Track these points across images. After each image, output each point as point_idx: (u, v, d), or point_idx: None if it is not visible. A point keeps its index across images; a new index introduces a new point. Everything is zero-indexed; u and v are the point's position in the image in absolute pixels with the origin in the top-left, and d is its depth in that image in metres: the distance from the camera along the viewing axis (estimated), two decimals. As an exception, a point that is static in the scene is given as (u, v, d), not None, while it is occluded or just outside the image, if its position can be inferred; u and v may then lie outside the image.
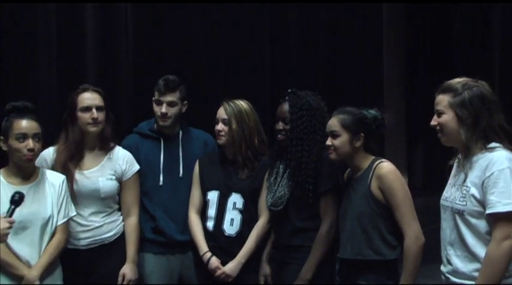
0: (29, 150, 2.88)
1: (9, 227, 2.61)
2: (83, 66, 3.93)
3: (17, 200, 2.68)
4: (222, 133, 3.33)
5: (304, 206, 3.16)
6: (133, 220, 3.32)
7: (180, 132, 3.51)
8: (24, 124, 2.89)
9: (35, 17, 3.71)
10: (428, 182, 7.28)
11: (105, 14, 4.04)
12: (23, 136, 2.88)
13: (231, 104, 3.34)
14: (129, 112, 4.03)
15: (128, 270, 3.25)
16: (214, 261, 3.28)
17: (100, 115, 3.21)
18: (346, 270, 3.00)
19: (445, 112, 2.60)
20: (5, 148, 2.92)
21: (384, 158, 3.03)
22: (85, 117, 3.18)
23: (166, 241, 3.41)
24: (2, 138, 2.93)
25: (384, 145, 5.91)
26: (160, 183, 3.43)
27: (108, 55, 4.06)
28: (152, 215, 3.41)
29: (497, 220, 2.43)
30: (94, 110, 3.18)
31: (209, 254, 3.30)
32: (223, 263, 3.29)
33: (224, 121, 3.33)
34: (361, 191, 2.94)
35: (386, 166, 2.93)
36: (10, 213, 2.66)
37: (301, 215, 3.19)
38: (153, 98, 3.43)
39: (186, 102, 3.46)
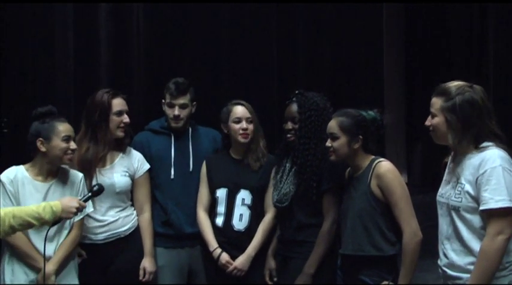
0: (72, 151, 3.04)
1: (78, 208, 2.73)
2: (97, 64, 4.02)
3: (96, 190, 2.86)
4: (248, 132, 3.36)
5: (308, 203, 3.21)
6: (146, 216, 3.43)
7: (190, 129, 3.57)
8: (69, 127, 3.05)
9: (52, 17, 3.79)
10: (426, 181, 7.30)
11: (118, 14, 4.11)
12: (68, 138, 3.02)
13: (247, 104, 3.40)
14: (140, 111, 4.09)
15: (147, 263, 3.37)
16: (225, 257, 3.34)
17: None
18: (348, 265, 3.04)
19: (436, 115, 2.63)
20: (43, 149, 3.01)
21: (383, 157, 3.06)
22: (118, 120, 3.30)
23: (176, 234, 3.48)
24: (41, 139, 3.00)
25: (385, 144, 5.96)
26: (172, 177, 3.50)
27: (120, 57, 4.14)
28: (164, 208, 3.48)
29: (491, 215, 2.49)
30: (125, 115, 3.32)
31: (219, 250, 3.36)
32: (233, 257, 3.35)
33: (248, 120, 3.37)
34: (361, 189, 2.98)
35: (385, 165, 2.96)
36: (85, 199, 2.81)
37: (305, 211, 3.24)
38: (164, 101, 3.49)
39: (195, 102, 3.52)
